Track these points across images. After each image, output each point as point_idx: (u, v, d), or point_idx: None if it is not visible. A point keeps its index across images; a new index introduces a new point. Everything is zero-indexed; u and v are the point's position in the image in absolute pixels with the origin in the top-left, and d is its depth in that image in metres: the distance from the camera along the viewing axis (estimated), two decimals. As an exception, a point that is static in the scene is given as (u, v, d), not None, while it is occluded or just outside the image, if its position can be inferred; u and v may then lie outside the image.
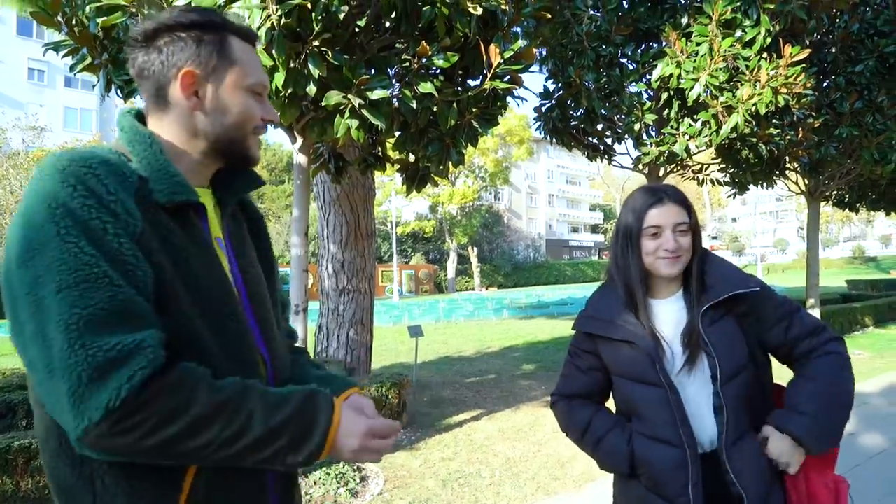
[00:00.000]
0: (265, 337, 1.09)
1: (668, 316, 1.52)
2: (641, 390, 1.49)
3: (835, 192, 11.34)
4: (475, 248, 40.87)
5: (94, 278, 0.81)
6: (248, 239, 1.18)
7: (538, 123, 6.77)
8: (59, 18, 3.57)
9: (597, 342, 1.59)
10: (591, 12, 6.03)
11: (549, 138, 6.86)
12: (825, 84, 8.01)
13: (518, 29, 8.17)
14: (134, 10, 3.26)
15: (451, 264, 40.35)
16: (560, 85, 6.42)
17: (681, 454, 1.43)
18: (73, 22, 3.61)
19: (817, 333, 1.50)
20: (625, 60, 6.23)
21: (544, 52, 6.64)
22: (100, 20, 3.22)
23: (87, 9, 3.35)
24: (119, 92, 3.73)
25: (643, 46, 6.28)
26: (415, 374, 7.53)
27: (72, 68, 3.68)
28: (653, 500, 1.49)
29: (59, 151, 0.92)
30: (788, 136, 6.32)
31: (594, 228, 65.49)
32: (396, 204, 38.10)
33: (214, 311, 0.97)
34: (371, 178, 6.55)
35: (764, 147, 6.06)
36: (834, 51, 7.87)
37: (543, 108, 6.53)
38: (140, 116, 1.07)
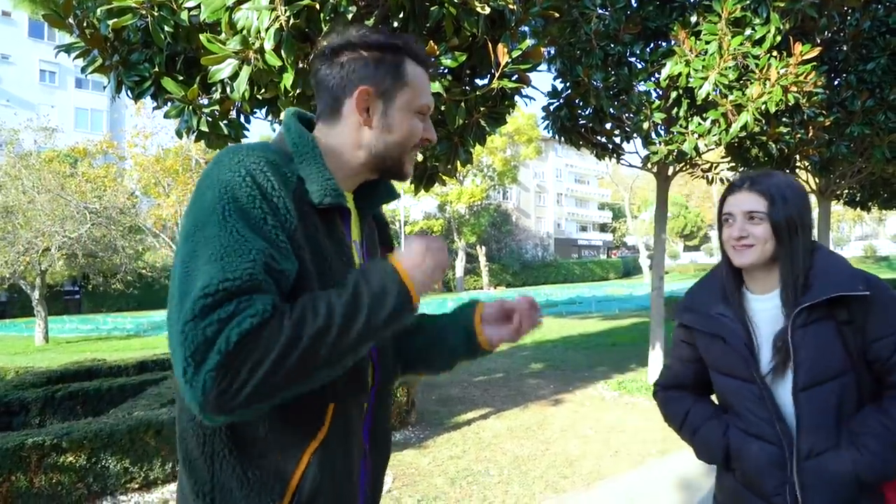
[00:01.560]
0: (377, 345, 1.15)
1: (766, 314, 1.44)
2: (735, 385, 1.46)
3: (846, 190, 11.26)
4: (483, 247, 40.84)
5: (241, 253, 0.86)
6: (377, 244, 1.26)
7: (546, 123, 6.75)
8: (71, 21, 3.60)
9: (693, 334, 1.57)
10: (600, 11, 5.99)
11: (557, 137, 6.84)
12: (836, 82, 7.94)
13: (526, 28, 8.17)
14: (144, 13, 3.29)
15: (460, 263, 40.34)
16: (568, 84, 6.40)
17: (777, 452, 1.38)
18: (85, 24, 3.64)
19: None
20: (633, 59, 6.20)
21: (552, 52, 6.63)
22: (110, 22, 3.25)
23: (98, 11, 3.38)
24: (129, 93, 3.76)
25: (652, 45, 6.25)
26: (423, 372, 7.54)
27: (83, 70, 3.71)
28: (746, 496, 1.46)
29: (235, 145, 1.02)
30: (799, 135, 6.27)
31: (603, 227, 65.29)
32: (405, 203, 38.14)
33: None
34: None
35: (774, 146, 6.01)
36: (845, 49, 7.79)
37: (552, 108, 6.51)
38: (303, 118, 1.16)
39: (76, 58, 3.82)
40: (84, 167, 19.03)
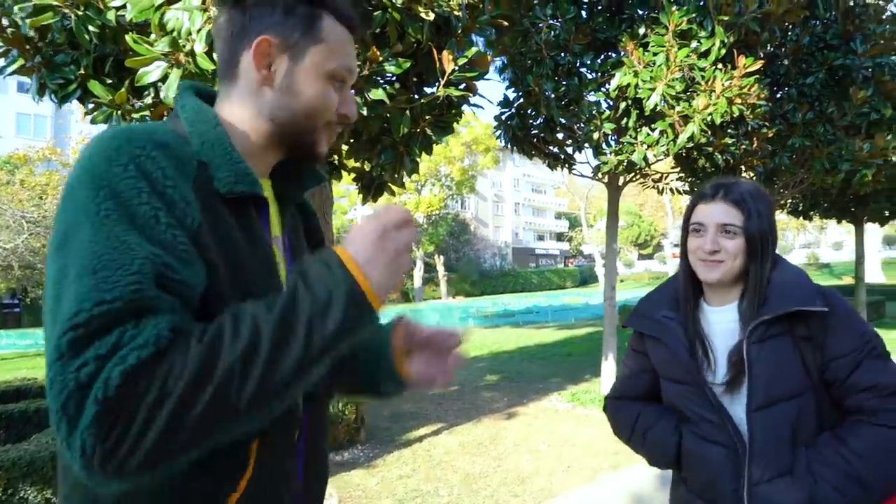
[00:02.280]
0: None
1: (722, 326, 1.38)
2: (680, 390, 1.40)
3: (789, 200, 11.62)
4: (442, 257, 40.80)
5: (122, 264, 0.66)
6: (303, 240, 1.05)
7: (499, 132, 6.72)
8: (-12, 18, 3.37)
9: (645, 341, 1.50)
10: (550, 21, 6.01)
11: (509, 147, 6.82)
12: (779, 95, 8.19)
13: (480, 38, 8.14)
14: (67, 11, 3.09)
15: (418, 273, 40.19)
16: (520, 94, 6.39)
17: (731, 455, 1.31)
18: (5, 23, 3.41)
19: (886, 395, 1.25)
20: (584, 70, 6.24)
21: (504, 61, 6.62)
22: (29, 21, 3.03)
23: (16, 9, 3.15)
24: (53, 96, 3.52)
25: (602, 56, 6.30)
26: (375, 386, 7.37)
27: (0, 71, 3.46)
28: None
29: (114, 128, 0.79)
30: (744, 146, 6.41)
31: (560, 236, 66.19)
32: (363, 212, 37.81)
33: None
34: (328, 187, 6.40)
35: (720, 156, 6.12)
36: (786, 63, 8.05)
37: (503, 117, 6.49)
38: (201, 93, 0.96)
39: (-4, 58, 3.59)
40: (23, 175, 18.16)
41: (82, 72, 3.37)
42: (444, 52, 3.39)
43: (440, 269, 40.63)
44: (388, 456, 4.98)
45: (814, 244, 59.83)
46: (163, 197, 0.73)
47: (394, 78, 4.01)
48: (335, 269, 0.74)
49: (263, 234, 0.89)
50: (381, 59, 3.25)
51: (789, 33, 7.97)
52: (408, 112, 3.58)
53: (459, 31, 3.69)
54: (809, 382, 1.29)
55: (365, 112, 3.34)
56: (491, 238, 54.87)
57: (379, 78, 3.60)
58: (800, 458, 1.26)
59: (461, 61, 3.49)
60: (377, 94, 3.31)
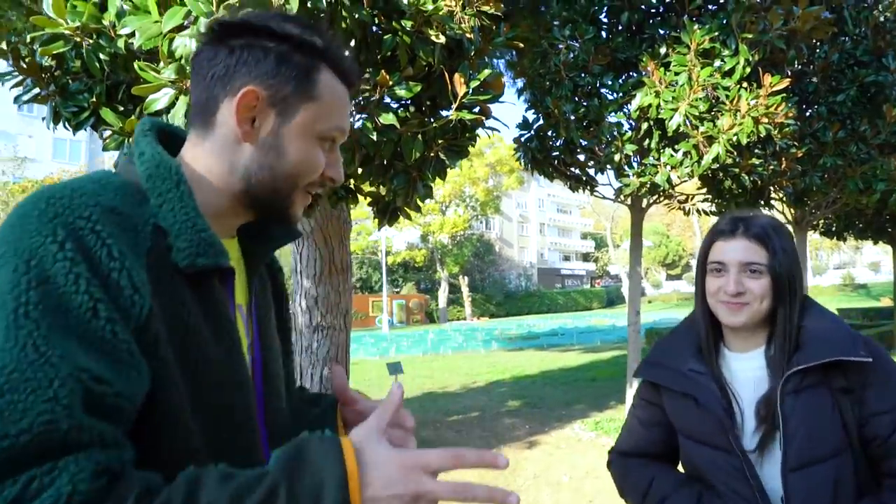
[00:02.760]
0: (269, 417, 0.86)
1: (747, 374, 1.26)
2: (710, 455, 1.25)
3: (822, 221, 11.28)
4: (466, 278, 40.69)
5: (37, 385, 0.53)
6: (270, 301, 0.95)
7: (518, 154, 6.64)
8: (4, 47, 3.42)
9: (661, 393, 1.37)
10: (569, 42, 5.94)
11: (529, 169, 6.73)
12: (808, 113, 7.97)
13: (500, 60, 8.08)
14: (78, 40, 3.11)
15: (443, 294, 40.10)
16: (539, 115, 6.31)
17: None
18: (22, 52, 3.45)
19: None
20: (604, 90, 6.13)
21: (524, 83, 6.56)
22: (40, 50, 3.06)
23: (28, 37, 3.19)
24: (67, 124, 3.55)
25: (623, 77, 6.20)
26: (394, 413, 7.25)
27: (15, 100, 3.51)
28: None
29: (51, 185, 0.67)
30: (772, 167, 6.21)
31: (586, 257, 65.60)
32: (387, 233, 38.01)
33: (224, 422, 0.74)
34: (346, 211, 6.38)
35: (747, 178, 5.93)
36: (815, 80, 7.85)
37: (523, 139, 6.40)
38: (164, 134, 0.84)
39: (13, 87, 3.63)
40: (57, 199, 18.68)
41: (94, 100, 3.39)
42: (456, 75, 3.32)
43: (465, 289, 40.47)
44: (404, 487, 4.84)
45: (849, 264, 58.20)
46: (105, 283, 0.61)
47: (408, 102, 3.97)
48: (334, 484, 0.57)
49: (226, 309, 0.77)
50: (391, 83, 3.19)
51: (818, 50, 7.78)
52: (420, 136, 3.51)
53: (472, 54, 3.63)
54: (848, 440, 1.17)
55: (375, 137, 3.29)
56: (516, 258, 54.63)
57: (392, 102, 3.55)
58: None
59: (474, 84, 3.43)
60: (388, 118, 3.25)
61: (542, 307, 47.15)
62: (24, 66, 3.41)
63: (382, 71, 3.15)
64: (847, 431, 1.17)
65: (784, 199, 8.82)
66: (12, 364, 0.54)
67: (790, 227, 10.37)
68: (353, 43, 3.24)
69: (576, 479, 4.97)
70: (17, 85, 3.57)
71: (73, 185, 0.67)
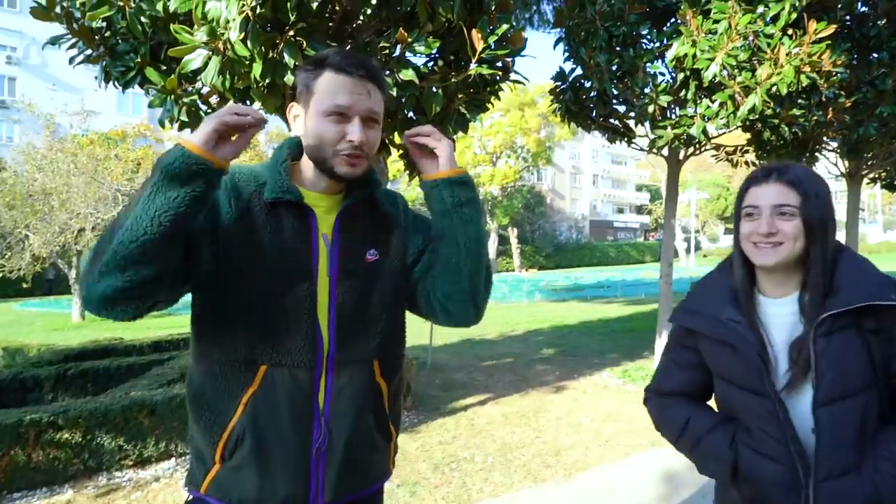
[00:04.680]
0: (339, 317, 1.28)
1: (782, 319, 1.31)
2: (745, 398, 1.32)
3: (883, 172, 10.74)
4: (516, 229, 40.58)
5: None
6: (368, 240, 1.35)
7: (554, 106, 6.63)
8: (58, 11, 3.70)
9: (697, 337, 1.42)
10: (607, -10, 5.82)
11: (565, 120, 6.72)
12: (869, 59, 7.54)
13: (548, 6, 7.86)
14: (122, 3, 3.35)
15: (492, 245, 40.22)
16: (575, 66, 6.26)
17: (792, 475, 1.25)
18: (73, 16, 3.73)
19: None
20: (642, 41, 6.01)
21: (562, 33, 6.48)
22: (88, 13, 3.32)
23: (78, 2, 3.45)
24: (116, 83, 3.84)
25: (661, 25, 6.04)
26: (429, 357, 7.60)
27: (70, 61, 3.80)
28: None
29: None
30: (815, 118, 5.99)
31: (640, 209, 64.04)
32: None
33: (271, 286, 1.23)
34: (384, 163, 6.58)
35: (787, 129, 5.77)
36: (880, 24, 7.39)
37: (558, 90, 6.39)
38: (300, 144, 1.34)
39: (68, 49, 3.93)
40: (121, 150, 19.57)
41: (139, 60, 3.66)
42: (475, 31, 3.41)
43: (514, 241, 40.45)
44: (432, 423, 5.18)
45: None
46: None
47: (436, 56, 4.08)
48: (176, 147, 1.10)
49: (305, 231, 1.27)
50: (409, 39, 3.32)
51: (883, -9, 7.29)
52: (440, 91, 3.64)
53: (493, 8, 3.69)
54: (875, 375, 1.24)
55: (395, 93, 3.44)
56: (567, 210, 53.94)
57: (414, 57, 3.67)
58: (867, 455, 1.23)
59: (492, 39, 3.50)
60: (407, 74, 3.39)
61: (592, 260, 46.75)
62: (76, 28, 3.69)
63: (401, 28, 3.27)
64: (874, 369, 1.23)
65: (837, 150, 8.46)
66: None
67: (843, 180, 9.95)
68: (374, 1, 3.37)
69: (596, 421, 5.20)
70: (71, 47, 3.86)
71: (240, 166, 1.34)
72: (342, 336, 1.28)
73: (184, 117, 3.63)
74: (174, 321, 14.06)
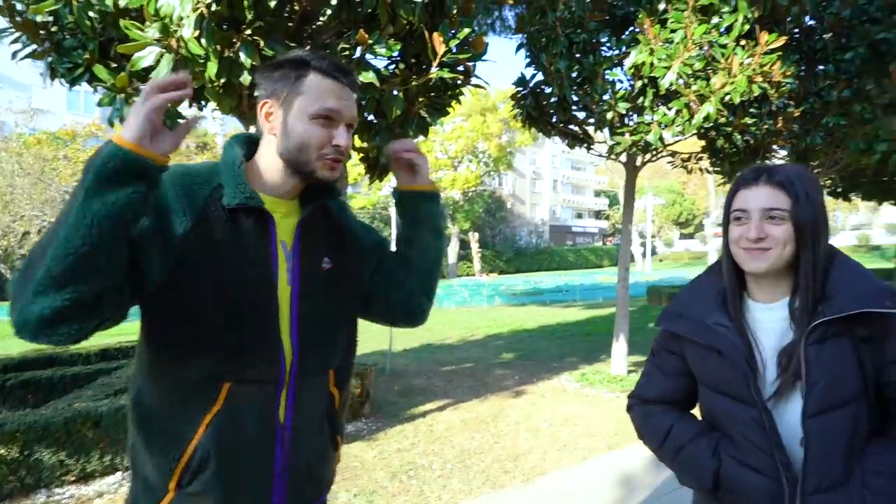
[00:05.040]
0: (302, 328, 1.23)
1: (771, 325, 1.27)
2: (730, 406, 1.28)
3: (828, 181, 11.19)
4: (476, 234, 40.77)
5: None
6: (322, 248, 1.31)
7: (515, 111, 6.67)
8: (1, 4, 3.52)
9: (683, 343, 1.38)
10: (568, -3, 5.89)
11: (526, 125, 6.77)
12: (816, 71, 7.83)
13: (510, 13, 7.90)
14: (67, -3, 3.21)
15: (453, 249, 40.29)
16: (537, 72, 6.31)
17: (776, 488, 1.20)
18: (16, 8, 3.56)
19: None
20: (601, 48, 6.10)
21: (524, 38, 6.52)
22: (31, 7, 3.17)
23: (22, -5, 3.29)
24: (63, 80, 3.68)
25: (620, 33, 6.15)
26: (388, 362, 7.53)
27: (13, 56, 3.63)
28: None
29: (174, 165, 1.16)
30: (766, 126, 6.19)
31: (598, 214, 65.19)
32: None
33: (234, 297, 1.15)
34: (343, 167, 6.51)
35: (739, 137, 5.94)
36: (826, 38, 7.68)
37: (519, 95, 6.43)
38: (252, 139, 1.29)
39: (12, 43, 3.75)
40: (71, 150, 18.87)
41: (88, 56, 3.51)
42: (436, 34, 3.39)
43: (474, 245, 40.62)
44: (391, 430, 5.12)
45: (866, 225, 57.36)
46: (161, 204, 1.12)
47: (398, 58, 4.04)
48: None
49: (264, 238, 1.20)
50: (370, 42, 3.27)
51: (830, 7, 7.59)
52: (401, 94, 3.60)
53: (454, 12, 3.67)
54: (865, 387, 1.20)
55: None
56: (528, 215, 54.48)
57: (375, 59, 3.63)
58: (855, 468, 1.19)
59: (453, 43, 3.49)
60: (367, 76, 3.34)
61: (552, 264, 47.31)
62: (20, 22, 3.52)
63: (361, 30, 3.22)
64: (864, 378, 1.19)
65: (787, 158, 8.76)
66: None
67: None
68: (333, 1, 3.32)
69: (554, 425, 5.22)
70: (14, 41, 3.68)
71: (184, 164, 1.22)
72: (304, 347, 1.24)
73: (134, 116, 3.48)
74: (123, 328, 13.58)
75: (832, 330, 1.18)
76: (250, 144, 1.28)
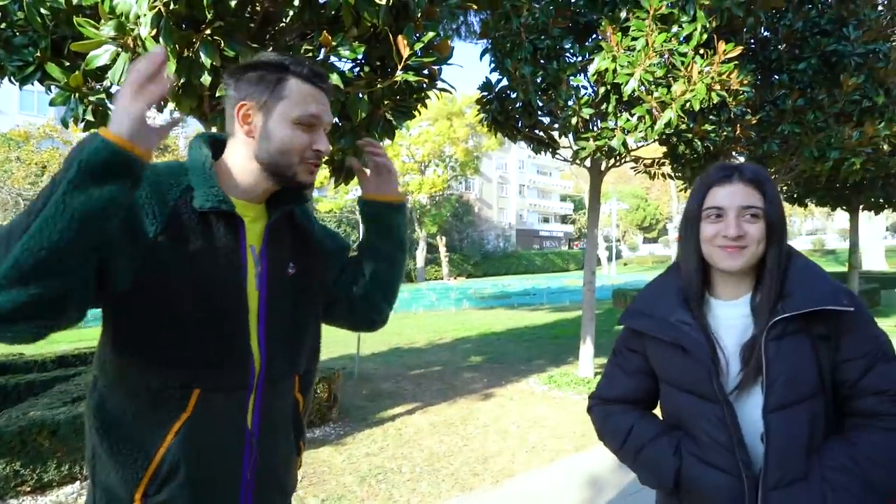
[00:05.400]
0: (269, 333, 1.22)
1: (733, 322, 1.28)
2: (692, 403, 1.28)
3: (784, 187, 11.55)
4: (444, 238, 40.82)
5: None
6: (287, 253, 1.30)
7: (481, 115, 6.71)
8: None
9: (645, 341, 1.38)
10: (532, 3, 5.96)
11: (492, 130, 6.81)
12: (772, 80, 8.08)
13: (475, 18, 7.95)
14: (16, -8, 3.10)
15: (420, 253, 40.27)
16: (502, 77, 6.36)
17: (737, 484, 1.21)
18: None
19: None
20: (566, 54, 6.19)
21: (488, 44, 6.57)
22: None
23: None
24: (12, 78, 3.56)
25: (583, 40, 6.24)
26: (356, 366, 7.47)
27: (-42, 53, 3.48)
28: None
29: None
30: (725, 133, 6.36)
31: (564, 219, 65.98)
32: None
33: (207, 303, 1.13)
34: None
35: (700, 143, 6.08)
36: (780, 48, 7.94)
37: (484, 101, 6.47)
38: (215, 139, 1.27)
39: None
40: (24, 152, 18.25)
41: (39, 54, 3.40)
42: (400, 37, 3.38)
43: (442, 249, 40.67)
44: (359, 434, 5.07)
45: (820, 230, 59.38)
46: (133, 207, 1.07)
47: (362, 61, 4.01)
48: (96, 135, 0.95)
49: (234, 242, 1.18)
50: (334, 43, 3.25)
51: (783, 19, 7.85)
52: (366, 97, 3.58)
53: (419, 16, 3.67)
54: (822, 382, 1.23)
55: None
56: (495, 219, 54.80)
57: (339, 62, 3.61)
58: (814, 463, 1.20)
59: (418, 46, 3.49)
60: (332, 79, 3.31)
61: (519, 268, 47.64)
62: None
63: (325, 31, 3.20)
64: (822, 375, 1.22)
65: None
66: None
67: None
68: (296, 2, 3.28)
69: (522, 427, 5.25)
70: (-40, 37, 3.54)
71: (158, 164, 1.18)
72: (272, 353, 1.23)
73: (90, 117, 3.40)
74: (81, 334, 13.17)
75: (791, 327, 1.20)
76: (214, 145, 1.26)
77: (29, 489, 3.77)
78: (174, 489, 1.12)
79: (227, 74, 1.22)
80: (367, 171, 1.43)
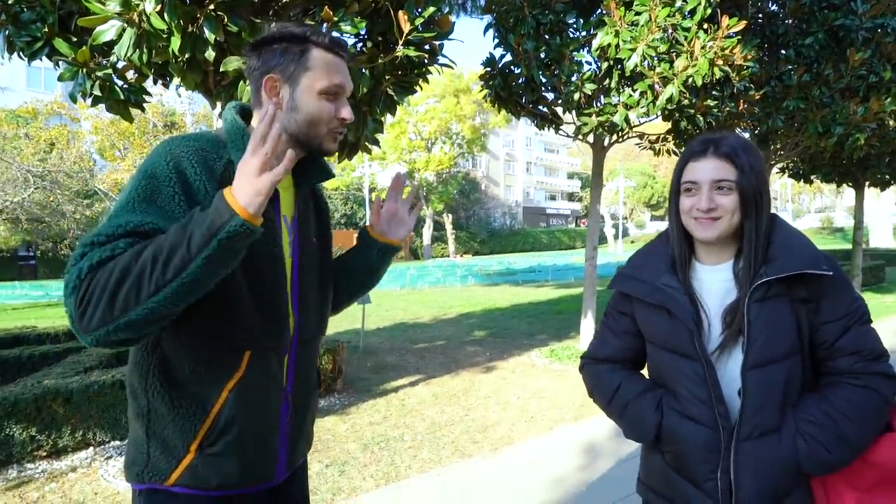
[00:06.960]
0: (301, 297, 1.34)
1: (716, 285, 1.35)
2: (675, 361, 1.36)
3: (789, 163, 11.50)
4: (450, 215, 40.82)
5: (122, 215, 1.09)
6: (313, 221, 1.42)
7: (484, 91, 6.72)
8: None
9: (633, 304, 1.46)
10: (535, -22, 5.93)
11: (495, 106, 6.83)
12: (778, 56, 8.02)
13: None
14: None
15: (427, 231, 40.33)
16: (505, 52, 6.36)
17: (714, 436, 1.30)
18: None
19: (870, 359, 1.29)
20: (569, 30, 6.18)
21: (492, 19, 6.56)
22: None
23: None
24: (21, 53, 3.62)
25: (587, 15, 6.22)
26: (361, 340, 7.61)
27: (-32, 28, 3.55)
28: (675, 479, 1.38)
29: (175, 136, 1.21)
30: (728, 109, 6.35)
31: (571, 196, 65.71)
32: (371, 169, 37.83)
33: (256, 273, 1.22)
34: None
35: (702, 118, 6.09)
36: (787, 23, 7.87)
37: (487, 76, 6.48)
38: (243, 110, 1.32)
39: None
40: (33, 129, 18.34)
41: (47, 30, 3.46)
42: (401, 13, 3.42)
43: (449, 227, 40.70)
44: (363, 404, 5.21)
45: (829, 208, 58.96)
46: (185, 184, 1.15)
47: (364, 36, 4.06)
48: (218, 197, 1.06)
49: (269, 211, 1.23)
50: (335, 19, 3.30)
51: (791, -9, 7.76)
52: (368, 72, 3.63)
53: (420, -9, 3.70)
54: (800, 343, 1.30)
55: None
56: (502, 197, 54.67)
57: (343, 37, 3.65)
58: (787, 417, 1.28)
59: (419, 21, 3.53)
60: (333, 54, 3.36)
61: (525, 246, 47.68)
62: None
63: (326, 7, 3.24)
64: (800, 336, 1.29)
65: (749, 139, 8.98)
66: (120, 206, 1.12)
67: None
68: (298, -22, 3.32)
69: (523, 398, 5.37)
70: (-31, 13, 3.60)
71: (186, 136, 1.22)
72: (304, 315, 1.35)
73: (97, 92, 3.46)
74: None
75: (773, 290, 1.27)
76: (242, 115, 1.33)
77: (45, 454, 3.92)
78: (228, 442, 1.22)
79: (250, 47, 1.27)
80: (383, 210, 1.55)
